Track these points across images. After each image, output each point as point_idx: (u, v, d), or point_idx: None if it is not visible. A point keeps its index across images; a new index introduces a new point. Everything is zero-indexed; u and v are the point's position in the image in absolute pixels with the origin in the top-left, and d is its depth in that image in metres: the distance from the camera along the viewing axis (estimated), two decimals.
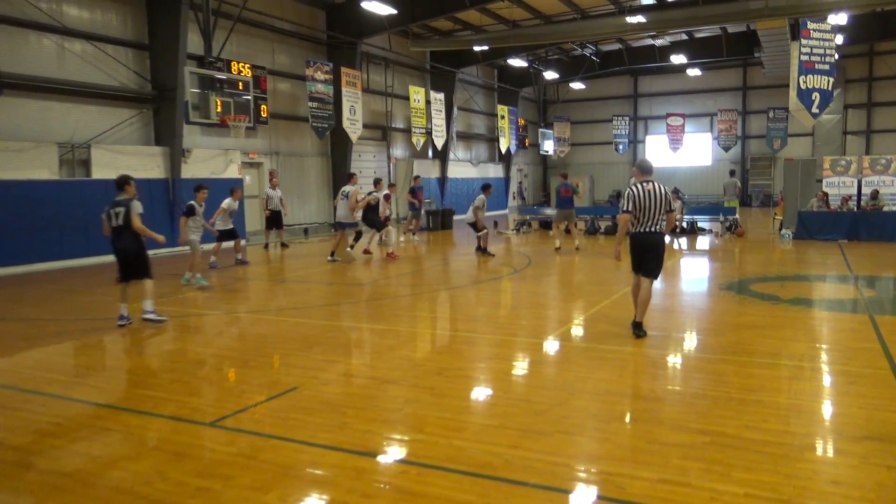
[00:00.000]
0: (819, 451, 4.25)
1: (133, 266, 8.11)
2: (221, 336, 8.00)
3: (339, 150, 22.40)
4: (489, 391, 5.65)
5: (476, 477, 3.83)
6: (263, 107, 18.65)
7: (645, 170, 6.96)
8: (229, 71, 16.90)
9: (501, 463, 4.00)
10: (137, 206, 7.93)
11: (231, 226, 13.07)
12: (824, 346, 6.91)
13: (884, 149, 30.11)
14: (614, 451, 4.19)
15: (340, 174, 22.48)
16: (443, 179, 28.70)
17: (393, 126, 26.14)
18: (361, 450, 4.27)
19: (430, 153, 28.41)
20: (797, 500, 3.51)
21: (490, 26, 25.72)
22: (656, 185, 6.86)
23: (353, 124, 21.47)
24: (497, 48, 26.98)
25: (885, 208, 18.32)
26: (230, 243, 13.49)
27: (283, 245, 17.16)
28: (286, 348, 7.00)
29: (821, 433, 4.56)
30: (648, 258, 6.99)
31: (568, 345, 7.17)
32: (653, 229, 6.87)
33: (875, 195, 19.17)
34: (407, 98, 25.50)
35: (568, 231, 17.34)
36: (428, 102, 26.15)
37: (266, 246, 16.94)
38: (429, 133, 26.37)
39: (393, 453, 4.31)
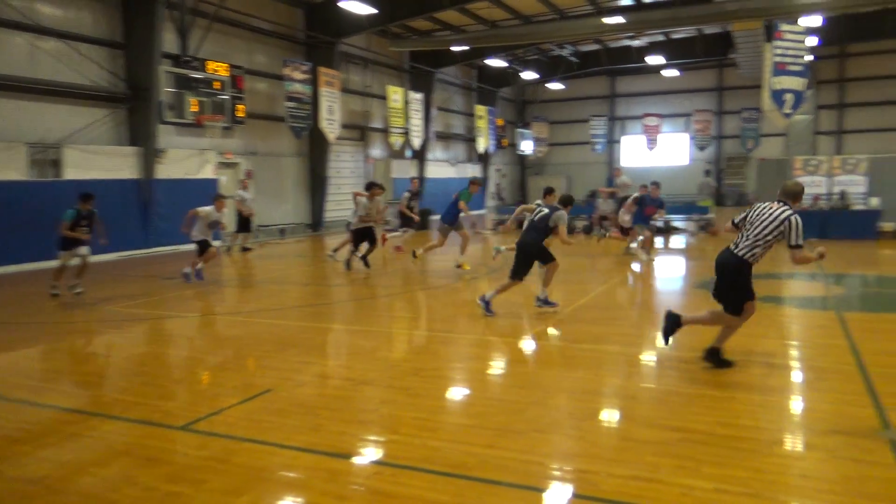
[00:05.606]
0: (788, 446, 4.32)
1: None
2: (195, 338, 7.92)
3: (316, 150, 22.27)
4: (465, 391, 5.66)
5: (451, 477, 3.83)
6: (240, 106, 18.42)
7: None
8: (205, 70, 16.68)
9: (476, 462, 4.00)
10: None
11: (208, 237, 11.61)
12: (794, 343, 7.02)
13: (854, 149, 30.56)
14: (589, 449, 4.22)
15: (317, 174, 22.40)
16: (421, 180, 28.61)
17: (371, 126, 26.05)
18: (335, 451, 4.25)
19: (409, 153, 28.36)
20: (766, 493, 3.57)
21: (469, 26, 25.72)
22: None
23: (331, 124, 21.35)
24: (476, 48, 26.96)
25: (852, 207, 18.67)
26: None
27: (245, 249, 16.38)
28: (261, 350, 6.94)
29: (790, 428, 4.63)
30: None
31: (545, 344, 7.21)
32: None
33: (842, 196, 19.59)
34: (385, 98, 25.44)
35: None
36: (406, 102, 26.09)
37: (228, 249, 16.35)
38: (407, 133, 26.32)
39: (367, 454, 4.30)
